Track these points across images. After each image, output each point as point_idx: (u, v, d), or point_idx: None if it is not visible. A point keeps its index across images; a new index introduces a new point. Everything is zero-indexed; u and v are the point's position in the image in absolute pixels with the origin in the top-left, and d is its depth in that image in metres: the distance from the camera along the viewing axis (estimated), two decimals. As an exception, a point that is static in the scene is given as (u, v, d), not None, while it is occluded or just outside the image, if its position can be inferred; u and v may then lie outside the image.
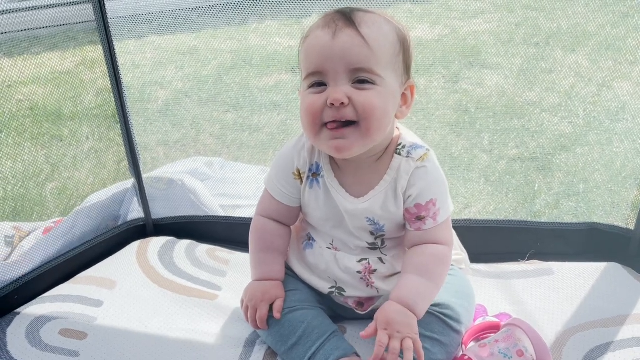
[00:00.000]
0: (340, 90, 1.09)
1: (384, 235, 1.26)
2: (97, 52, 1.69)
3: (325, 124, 1.12)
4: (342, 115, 1.10)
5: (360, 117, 1.10)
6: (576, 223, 1.68)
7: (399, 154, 1.21)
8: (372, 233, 1.26)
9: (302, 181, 1.27)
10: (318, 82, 1.13)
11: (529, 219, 1.73)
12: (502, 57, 2.68)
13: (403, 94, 1.18)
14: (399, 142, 1.22)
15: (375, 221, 1.23)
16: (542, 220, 1.72)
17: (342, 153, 1.14)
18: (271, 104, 2.73)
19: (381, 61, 1.11)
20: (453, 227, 1.48)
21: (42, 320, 1.39)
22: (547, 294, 1.46)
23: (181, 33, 2.79)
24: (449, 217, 1.24)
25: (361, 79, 1.10)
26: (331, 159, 1.25)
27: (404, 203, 1.21)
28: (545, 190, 2.02)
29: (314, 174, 1.26)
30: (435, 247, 1.21)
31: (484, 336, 1.29)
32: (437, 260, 1.21)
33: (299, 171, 1.27)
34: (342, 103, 1.09)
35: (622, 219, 1.65)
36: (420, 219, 1.21)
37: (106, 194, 1.83)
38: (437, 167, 1.22)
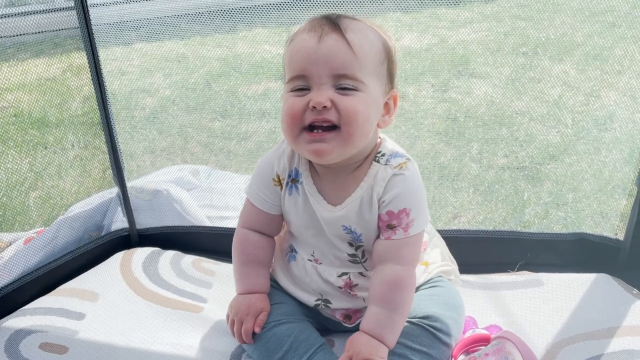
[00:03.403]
0: (324, 94, 1.08)
1: (362, 245, 1.24)
2: (83, 58, 1.68)
3: (305, 128, 1.11)
4: (324, 118, 1.09)
5: (343, 121, 1.09)
6: (565, 233, 1.67)
7: (378, 161, 1.20)
8: (350, 244, 1.24)
9: (282, 187, 1.26)
10: (301, 86, 1.12)
11: (519, 229, 1.72)
12: (490, 67, 2.69)
13: (386, 103, 1.18)
14: (379, 150, 1.21)
15: (352, 229, 1.22)
16: (532, 231, 1.72)
17: (321, 157, 1.13)
18: (259, 112, 2.71)
19: (365, 68, 1.10)
20: (442, 237, 1.49)
21: (21, 334, 1.36)
22: (537, 305, 1.45)
23: (169, 40, 2.77)
24: (421, 233, 1.22)
25: (344, 86, 1.10)
26: (310, 165, 1.24)
27: (378, 209, 1.19)
28: (535, 200, 2.01)
29: (293, 180, 1.25)
30: (395, 270, 1.18)
31: (474, 349, 1.28)
32: (397, 288, 1.18)
33: (278, 177, 1.26)
34: (325, 106, 1.08)
35: (611, 229, 1.65)
36: (391, 227, 1.19)
37: (90, 203, 1.80)
38: (416, 177, 1.20)
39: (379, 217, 1.19)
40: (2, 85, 1.57)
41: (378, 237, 1.22)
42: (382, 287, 1.18)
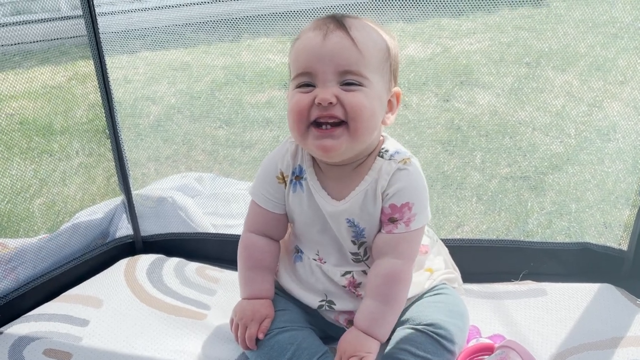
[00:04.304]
0: (329, 90, 1.11)
1: (365, 241, 1.25)
2: (89, 66, 1.69)
3: (312, 124, 1.13)
4: (330, 114, 1.11)
5: (349, 116, 1.11)
6: (569, 243, 1.67)
7: (382, 157, 1.22)
8: (353, 242, 1.25)
9: (286, 185, 1.27)
10: (306, 82, 1.14)
11: (522, 239, 1.72)
12: (493, 76, 2.70)
13: (389, 101, 1.20)
14: (383, 146, 1.24)
15: (355, 223, 1.23)
16: (535, 240, 1.72)
17: (328, 153, 1.14)
18: (263, 120, 2.73)
19: (369, 65, 1.12)
20: (446, 245, 1.49)
21: (25, 340, 1.36)
22: (541, 315, 1.45)
23: (174, 49, 2.79)
24: (422, 228, 1.24)
25: (349, 81, 1.12)
26: (314, 162, 1.26)
27: (382, 202, 1.21)
28: (538, 210, 2.01)
29: (297, 177, 1.26)
30: (392, 264, 1.20)
31: (478, 358, 1.27)
32: (392, 281, 1.20)
33: (282, 174, 1.27)
34: (330, 102, 1.10)
35: (614, 240, 1.65)
36: (393, 221, 1.20)
37: (95, 210, 1.80)
38: (419, 173, 1.22)
39: (382, 210, 1.21)
40: (8, 93, 1.58)
41: (379, 231, 1.23)
42: (377, 280, 1.20)
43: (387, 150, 1.23)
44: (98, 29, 1.59)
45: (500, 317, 1.46)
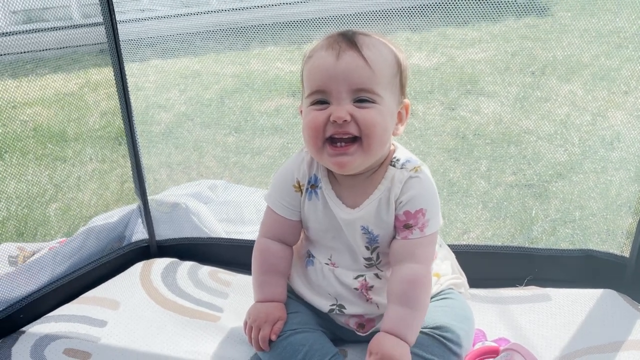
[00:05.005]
0: (343, 108, 1.15)
1: (378, 247, 1.29)
2: (101, 74, 1.71)
3: (327, 140, 1.18)
4: (345, 131, 1.16)
5: (363, 132, 1.16)
6: (572, 250, 1.70)
7: (394, 165, 1.26)
8: (367, 247, 1.29)
9: (302, 193, 1.32)
10: (321, 100, 1.18)
11: (526, 245, 1.75)
12: (498, 85, 2.74)
13: (398, 112, 1.25)
14: (394, 155, 1.28)
15: (369, 230, 1.27)
16: (539, 247, 1.75)
17: (343, 169, 1.20)
18: (272, 127, 2.77)
19: (381, 82, 1.17)
20: (453, 251, 1.52)
21: (46, 340, 1.40)
22: (545, 320, 1.48)
23: (184, 57, 2.85)
24: (435, 233, 1.28)
25: (362, 99, 1.16)
26: (329, 171, 1.30)
27: (395, 209, 1.25)
28: (542, 217, 2.05)
29: (313, 185, 1.31)
30: (412, 269, 1.23)
31: (483, 360, 1.31)
32: (415, 286, 1.22)
33: (299, 183, 1.31)
34: (345, 120, 1.15)
35: (617, 247, 1.68)
36: (408, 227, 1.24)
37: (112, 215, 1.85)
38: (430, 180, 1.26)
39: (396, 217, 1.25)
40: (22, 100, 1.61)
41: (394, 237, 1.27)
42: (401, 286, 1.22)
43: (398, 159, 1.27)
44: (118, 36, 1.61)
45: (505, 321, 1.49)
